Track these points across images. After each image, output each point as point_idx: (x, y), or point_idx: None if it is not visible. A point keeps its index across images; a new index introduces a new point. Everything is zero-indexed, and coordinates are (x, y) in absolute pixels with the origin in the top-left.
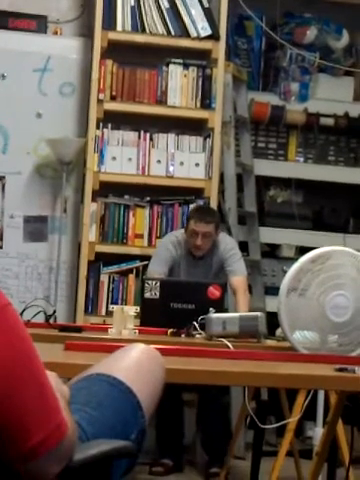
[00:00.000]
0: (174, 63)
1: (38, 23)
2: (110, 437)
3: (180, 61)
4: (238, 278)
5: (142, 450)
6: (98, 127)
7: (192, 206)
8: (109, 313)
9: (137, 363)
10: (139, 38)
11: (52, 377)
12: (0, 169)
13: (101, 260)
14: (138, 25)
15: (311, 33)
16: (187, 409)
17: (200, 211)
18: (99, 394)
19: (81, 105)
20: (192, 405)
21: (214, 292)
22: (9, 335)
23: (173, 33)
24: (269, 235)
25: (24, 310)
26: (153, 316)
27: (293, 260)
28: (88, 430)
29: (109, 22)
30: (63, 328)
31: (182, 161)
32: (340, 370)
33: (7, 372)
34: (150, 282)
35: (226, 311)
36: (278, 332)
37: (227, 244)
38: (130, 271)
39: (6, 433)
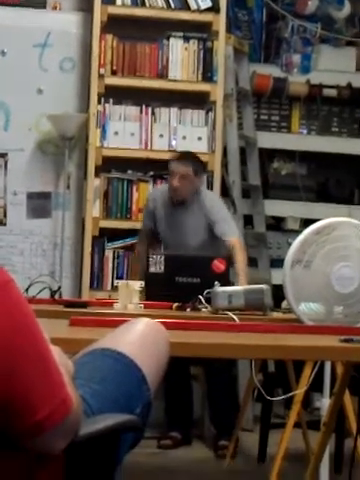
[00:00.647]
0: (175, 36)
1: None
2: (115, 411)
3: (181, 34)
4: (231, 239)
5: (148, 424)
6: (99, 102)
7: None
8: (114, 288)
9: (141, 337)
10: (139, 12)
11: (56, 352)
12: (2, 146)
13: (105, 235)
14: None
15: (312, 3)
16: (194, 383)
17: (180, 153)
18: (103, 368)
19: (82, 80)
20: (199, 379)
21: (219, 266)
22: (11, 311)
23: (173, 6)
24: (274, 208)
25: (29, 286)
26: (158, 291)
27: (298, 232)
28: (93, 405)
29: None
30: (68, 304)
31: (184, 135)
32: (346, 341)
33: (10, 347)
34: (155, 256)
35: (231, 284)
36: (284, 304)
37: (214, 203)
38: (135, 246)
39: (11, 408)
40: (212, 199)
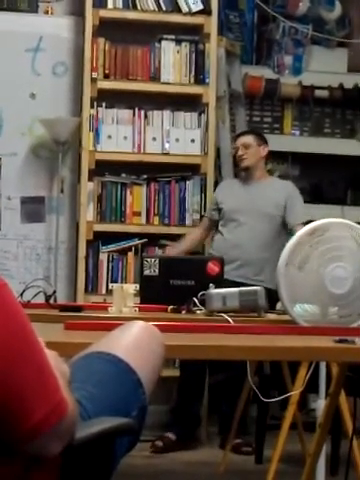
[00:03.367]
0: (166, 39)
1: (29, 2)
2: (111, 415)
3: (172, 37)
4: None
5: (143, 427)
6: (92, 106)
7: (189, 182)
8: (109, 292)
9: (136, 340)
10: (130, 15)
11: (52, 356)
12: None
13: (100, 239)
14: (129, 2)
15: (303, 5)
16: None
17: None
18: (99, 372)
19: (75, 84)
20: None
21: (213, 268)
22: (6, 315)
23: (164, 9)
24: None
25: (24, 291)
26: (153, 293)
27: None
28: (89, 408)
29: (100, 0)
30: (63, 308)
31: (177, 138)
32: (340, 341)
33: (4, 351)
34: (149, 259)
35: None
36: (278, 306)
37: (291, 190)
38: (129, 249)
39: (6, 412)
40: (289, 185)
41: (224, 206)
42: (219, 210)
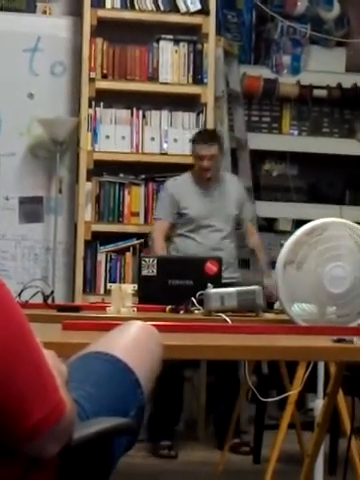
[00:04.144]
0: (164, 39)
1: (27, 3)
2: (109, 415)
3: (170, 37)
4: (251, 223)
5: (141, 427)
6: (90, 106)
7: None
8: (107, 292)
9: (134, 340)
10: (128, 15)
11: (50, 356)
12: None
13: (98, 239)
14: (127, 2)
15: (302, 4)
16: (187, 385)
17: (201, 134)
18: (97, 372)
19: (73, 84)
20: (193, 381)
21: (212, 267)
22: (4, 315)
23: (162, 9)
24: (265, 209)
25: (22, 291)
26: (151, 293)
27: (290, 233)
28: (87, 408)
29: (98, 0)
30: (61, 308)
31: (176, 138)
32: (338, 341)
33: (4, 351)
34: (147, 259)
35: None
36: (276, 305)
37: (241, 186)
38: (127, 249)
39: (5, 413)
40: (239, 182)
41: (190, 212)
42: (180, 214)
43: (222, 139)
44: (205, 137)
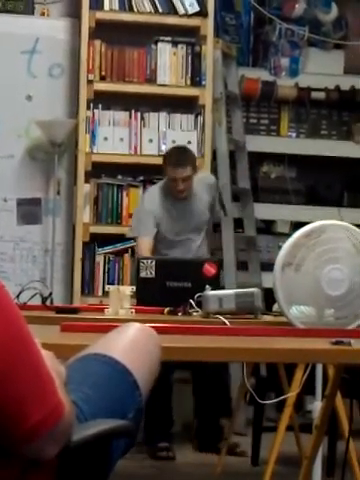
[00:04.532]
0: (163, 41)
1: (25, 4)
2: (107, 417)
3: (169, 39)
4: None
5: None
6: (89, 108)
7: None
8: (106, 293)
9: (133, 342)
10: (127, 17)
11: (49, 357)
12: None
13: (96, 241)
14: (125, 4)
15: (300, 7)
16: (180, 387)
17: (174, 155)
18: (95, 374)
19: (71, 86)
20: (185, 382)
21: (210, 269)
22: (1, 317)
23: (161, 11)
24: (264, 211)
25: (20, 293)
26: (149, 295)
27: (288, 235)
28: (85, 410)
29: (96, 2)
30: (60, 310)
31: (174, 139)
32: (336, 343)
33: (3, 353)
34: (145, 261)
35: (222, 288)
36: (275, 308)
37: (210, 182)
38: (125, 251)
39: (3, 415)
40: (208, 177)
41: (162, 228)
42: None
43: (194, 156)
44: (179, 159)
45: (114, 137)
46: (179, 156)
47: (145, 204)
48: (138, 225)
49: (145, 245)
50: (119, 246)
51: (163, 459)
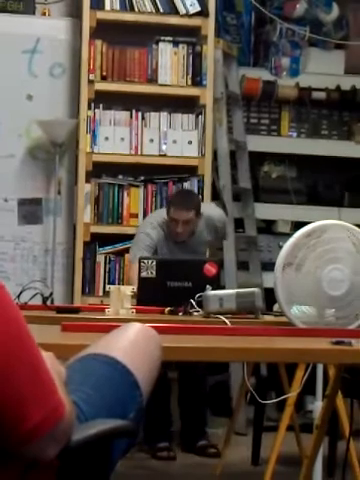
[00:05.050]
0: (164, 41)
1: (26, 4)
2: (108, 417)
3: (170, 39)
4: None
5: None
6: (89, 108)
7: (186, 184)
8: (106, 293)
9: (133, 342)
10: (128, 17)
11: (49, 357)
12: None
13: (97, 241)
14: (126, 3)
15: (301, 7)
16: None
17: (179, 197)
18: (96, 374)
19: (72, 86)
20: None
21: (210, 269)
22: (1, 317)
23: (162, 11)
24: (264, 211)
25: (21, 293)
26: (150, 295)
27: (289, 235)
28: (86, 410)
29: (97, 1)
30: (60, 309)
31: (175, 139)
32: (337, 343)
33: (3, 352)
34: (146, 261)
35: (223, 288)
36: (275, 307)
37: (218, 222)
38: (126, 251)
39: (3, 415)
40: (214, 219)
41: (160, 252)
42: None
43: (199, 201)
44: (183, 201)
45: (115, 137)
46: (184, 198)
47: (148, 232)
48: (136, 249)
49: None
50: (120, 246)
51: (164, 459)
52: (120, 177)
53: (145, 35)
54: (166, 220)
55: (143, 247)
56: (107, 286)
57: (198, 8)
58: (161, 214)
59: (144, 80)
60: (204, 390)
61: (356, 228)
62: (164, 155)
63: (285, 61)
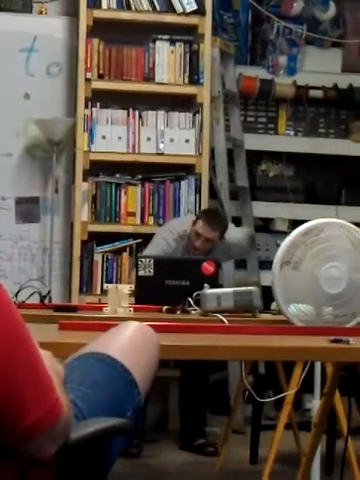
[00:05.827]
0: (161, 39)
1: (23, 3)
2: (106, 415)
3: (167, 37)
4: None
5: (138, 428)
6: (87, 106)
7: (184, 182)
8: (104, 292)
9: (131, 341)
10: (125, 15)
11: (47, 356)
12: None
13: (94, 239)
14: (123, 2)
15: (298, 5)
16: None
17: (211, 214)
18: (94, 372)
19: (69, 85)
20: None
21: (208, 268)
22: (1, 315)
23: (159, 9)
24: (262, 209)
25: (19, 291)
26: (148, 294)
27: (287, 234)
28: (84, 408)
29: (94, 0)
30: (58, 308)
31: (172, 138)
32: (335, 341)
33: (1, 351)
34: (144, 260)
35: (221, 287)
36: (273, 306)
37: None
38: (124, 249)
39: (1, 414)
40: (232, 244)
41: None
42: None
43: (226, 226)
44: (213, 220)
45: (112, 135)
46: (214, 218)
47: (168, 238)
48: (151, 250)
49: None
50: (117, 244)
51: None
52: (117, 176)
53: (142, 34)
54: (187, 233)
55: (159, 251)
56: (105, 285)
57: (195, 6)
58: (184, 226)
59: (141, 79)
60: (204, 389)
61: (353, 226)
62: (161, 154)
63: (282, 59)
